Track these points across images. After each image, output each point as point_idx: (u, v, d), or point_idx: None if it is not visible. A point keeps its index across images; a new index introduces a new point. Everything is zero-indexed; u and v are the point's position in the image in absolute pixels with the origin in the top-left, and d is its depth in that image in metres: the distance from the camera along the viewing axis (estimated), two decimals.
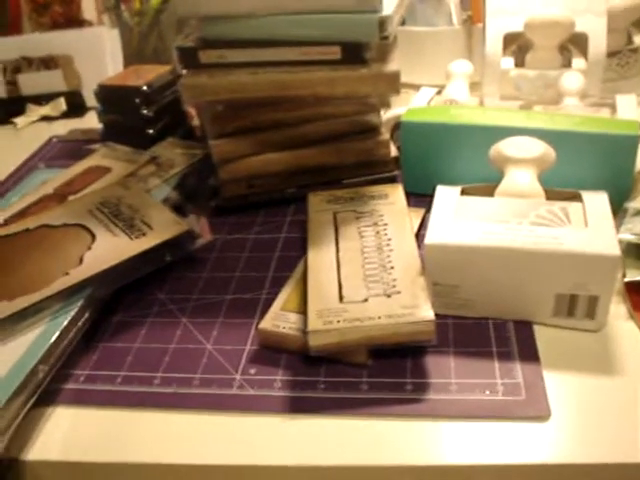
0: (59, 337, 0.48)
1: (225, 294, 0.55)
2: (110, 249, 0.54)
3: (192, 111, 0.84)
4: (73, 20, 1.05)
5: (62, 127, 0.96)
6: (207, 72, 0.58)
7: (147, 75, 0.81)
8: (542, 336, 0.48)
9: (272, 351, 0.48)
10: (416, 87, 0.82)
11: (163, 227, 0.56)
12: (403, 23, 0.88)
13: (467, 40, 0.86)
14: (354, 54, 0.56)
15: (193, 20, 0.58)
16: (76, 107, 1.01)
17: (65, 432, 0.44)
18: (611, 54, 0.79)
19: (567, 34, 0.71)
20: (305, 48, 0.56)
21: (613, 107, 0.67)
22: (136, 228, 0.56)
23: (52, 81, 1.01)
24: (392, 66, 0.58)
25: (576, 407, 0.42)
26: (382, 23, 0.54)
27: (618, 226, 0.53)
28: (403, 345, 0.45)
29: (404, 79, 0.60)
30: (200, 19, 0.57)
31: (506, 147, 0.54)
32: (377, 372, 0.46)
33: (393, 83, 0.58)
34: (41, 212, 0.61)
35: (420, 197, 0.63)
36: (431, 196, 0.54)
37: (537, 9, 0.71)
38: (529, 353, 0.46)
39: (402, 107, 0.68)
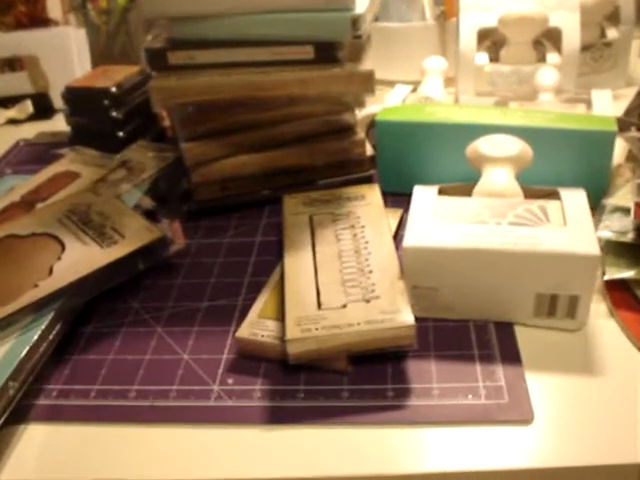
0: (29, 352, 0.46)
1: (201, 301, 0.54)
2: (80, 259, 0.52)
3: (163, 112, 0.82)
4: (38, 19, 1.02)
5: (29, 130, 0.94)
6: (176, 74, 0.57)
7: (116, 76, 0.79)
8: (523, 337, 0.47)
9: (250, 360, 0.47)
10: (390, 83, 0.81)
11: (135, 234, 0.54)
12: (376, 19, 0.87)
13: (441, 35, 0.86)
14: (327, 53, 0.55)
15: (161, 21, 0.57)
16: (43, 109, 0.98)
17: (39, 450, 0.43)
18: (585, 48, 0.79)
19: (541, 29, 0.71)
20: (277, 48, 0.55)
21: (589, 102, 0.67)
22: (107, 236, 0.54)
23: (18, 83, 0.98)
24: (366, 65, 0.57)
25: (559, 408, 0.42)
26: (355, 21, 0.53)
27: (596, 223, 0.53)
28: (383, 351, 0.44)
29: (378, 76, 0.59)
30: (168, 19, 0.56)
31: (483, 145, 0.53)
32: (358, 379, 0.45)
33: (367, 82, 0.57)
34: (8, 221, 0.59)
35: (397, 196, 0.62)
36: (408, 195, 0.53)
37: (510, 5, 0.71)
38: (511, 355, 0.46)
39: (377, 105, 0.68)
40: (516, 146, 0.53)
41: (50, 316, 0.49)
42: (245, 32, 0.55)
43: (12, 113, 0.98)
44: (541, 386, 0.43)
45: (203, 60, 0.56)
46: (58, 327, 0.49)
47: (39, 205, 0.63)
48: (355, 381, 0.45)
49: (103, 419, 0.44)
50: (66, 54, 0.97)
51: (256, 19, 0.54)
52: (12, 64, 0.97)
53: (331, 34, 0.54)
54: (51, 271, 0.51)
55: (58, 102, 0.96)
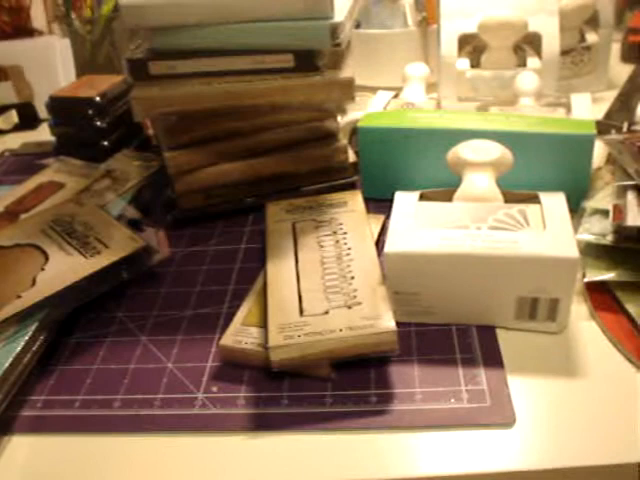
0: (13, 363, 0.46)
1: (185, 310, 0.54)
2: (64, 269, 0.52)
3: (147, 121, 0.82)
4: (22, 29, 1.02)
5: (14, 140, 0.94)
6: (158, 84, 0.57)
7: (100, 85, 0.79)
8: (505, 340, 0.48)
9: (234, 367, 0.47)
10: (373, 90, 0.82)
11: (118, 244, 0.54)
12: (358, 26, 0.88)
13: (422, 41, 0.86)
14: (307, 62, 0.56)
15: (142, 31, 0.57)
16: (28, 119, 0.98)
17: (24, 462, 0.43)
18: (565, 52, 0.80)
19: (520, 34, 0.72)
20: (257, 57, 0.55)
21: (568, 106, 0.67)
22: (91, 246, 0.54)
23: (2, 93, 0.98)
24: (346, 72, 0.58)
25: (541, 411, 0.42)
26: (334, 30, 0.53)
27: (577, 226, 0.53)
28: (366, 356, 0.44)
29: (360, 82, 0.60)
30: (149, 30, 0.56)
31: (463, 151, 0.54)
32: (341, 385, 0.45)
33: (347, 90, 0.57)
34: None
35: (380, 202, 0.62)
36: (391, 200, 0.54)
37: (490, 11, 0.72)
38: (493, 358, 0.46)
39: (359, 111, 0.68)
40: (496, 151, 0.53)
41: (34, 327, 0.49)
42: (225, 41, 0.55)
43: None
44: (523, 389, 0.44)
45: (184, 70, 0.57)
46: (42, 337, 0.49)
47: (23, 216, 0.63)
48: (338, 387, 0.45)
49: (88, 429, 0.44)
50: (50, 64, 0.97)
51: (236, 28, 0.54)
52: None
53: (310, 43, 0.55)
54: (34, 282, 0.51)
55: (43, 112, 0.96)
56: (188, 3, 0.54)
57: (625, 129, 0.68)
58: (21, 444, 0.44)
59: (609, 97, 0.78)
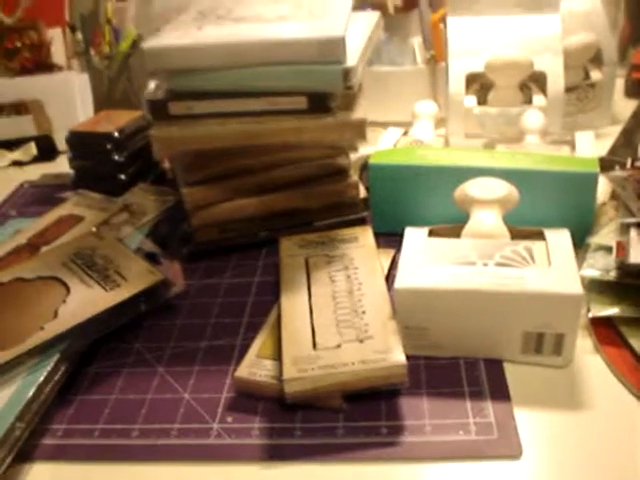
0: (36, 393, 0.47)
1: (201, 341, 0.56)
2: (85, 302, 0.54)
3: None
4: (43, 65, 1.05)
5: (33, 172, 0.96)
6: (177, 123, 0.59)
7: (118, 121, 0.81)
8: (512, 373, 0.49)
9: (249, 398, 0.49)
10: (383, 125, 0.84)
11: (138, 277, 0.56)
12: (369, 63, 0.90)
13: (431, 78, 0.89)
14: (320, 104, 0.58)
15: (162, 73, 0.59)
16: (47, 151, 1.01)
17: None
18: (570, 89, 0.82)
19: (526, 73, 0.74)
20: (272, 98, 0.57)
21: (573, 144, 0.69)
22: (110, 279, 0.56)
23: (23, 126, 1.01)
24: (358, 113, 0.60)
25: (547, 443, 0.43)
26: (346, 74, 0.55)
27: (581, 262, 0.55)
28: (377, 389, 0.46)
29: (371, 117, 0.62)
30: (168, 72, 0.58)
31: (471, 188, 0.56)
32: (352, 416, 0.46)
33: (359, 130, 0.60)
34: (14, 264, 0.61)
35: (390, 236, 0.64)
36: (400, 235, 0.55)
37: (497, 50, 0.74)
38: (500, 391, 0.47)
39: (369, 147, 0.70)
40: (503, 189, 0.55)
41: (55, 358, 0.50)
42: (241, 84, 0.57)
43: (16, 155, 1.00)
44: (529, 421, 0.45)
45: (202, 110, 0.59)
46: (63, 368, 0.51)
47: (44, 248, 0.65)
48: (350, 418, 0.46)
49: (107, 458, 0.46)
50: (69, 98, 1.00)
51: (252, 72, 0.57)
52: (17, 108, 1.00)
53: (324, 86, 0.57)
54: (56, 314, 0.53)
55: (61, 144, 0.98)
56: (207, 47, 0.56)
57: (629, 165, 0.70)
58: (42, 472, 0.45)
59: (613, 132, 0.79)
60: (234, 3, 0.67)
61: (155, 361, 0.54)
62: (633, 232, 0.54)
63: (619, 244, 0.54)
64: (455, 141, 0.76)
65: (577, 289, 0.46)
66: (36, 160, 1.00)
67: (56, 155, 1.01)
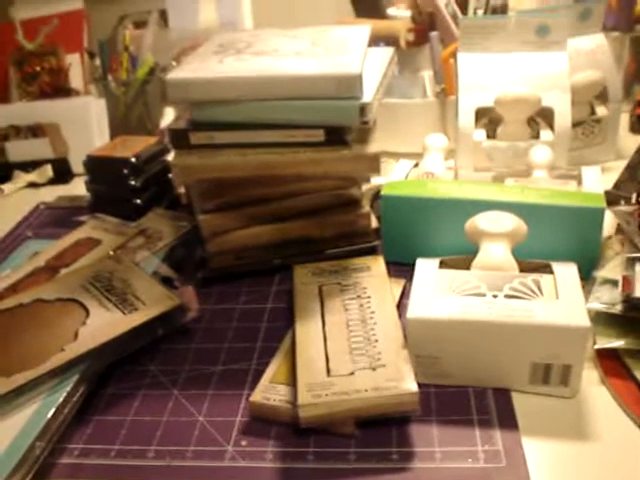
0: (55, 413, 0.49)
1: (215, 365, 0.57)
2: (104, 324, 0.55)
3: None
4: (61, 89, 1.08)
5: (48, 194, 0.98)
6: (197, 153, 0.61)
7: (134, 146, 0.83)
8: (520, 403, 0.50)
9: (263, 422, 0.50)
10: (394, 155, 0.86)
11: (155, 302, 0.58)
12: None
13: (441, 111, 0.91)
14: (336, 137, 0.60)
15: (183, 103, 0.61)
16: (62, 174, 1.03)
17: None
18: (576, 124, 0.84)
19: (534, 109, 0.76)
20: (290, 131, 0.59)
21: (579, 179, 0.71)
22: (128, 303, 0.58)
23: (39, 149, 1.03)
24: (372, 147, 0.62)
25: (553, 472, 0.44)
26: (362, 109, 0.57)
27: (587, 294, 0.56)
28: (389, 416, 0.47)
29: (382, 148, 0.64)
30: (190, 103, 0.60)
31: (481, 222, 0.57)
32: (364, 442, 0.47)
33: (373, 163, 0.61)
34: (34, 286, 0.63)
35: (400, 266, 0.65)
36: (411, 265, 0.57)
37: (506, 86, 0.76)
38: (508, 420, 0.48)
39: (381, 177, 0.72)
40: (511, 222, 0.57)
41: (75, 379, 0.52)
42: (260, 117, 0.59)
43: (32, 177, 1.03)
44: (537, 450, 0.46)
45: (222, 140, 0.61)
46: (82, 389, 0.52)
47: (63, 270, 0.67)
48: (362, 444, 0.47)
49: (123, 478, 0.47)
50: (86, 122, 1.02)
51: (271, 105, 0.59)
52: (35, 131, 1.02)
53: (340, 120, 0.59)
54: (76, 335, 0.55)
55: (77, 167, 1.01)
56: (228, 81, 0.58)
57: (633, 200, 0.71)
58: None
59: (618, 167, 0.81)
60: (253, 37, 0.69)
61: (170, 384, 0.55)
62: (638, 267, 0.56)
63: (625, 278, 0.55)
64: (464, 174, 0.77)
65: (584, 321, 0.48)
66: (51, 182, 1.02)
67: (71, 178, 1.03)
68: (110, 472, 0.47)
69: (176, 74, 0.60)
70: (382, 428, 0.48)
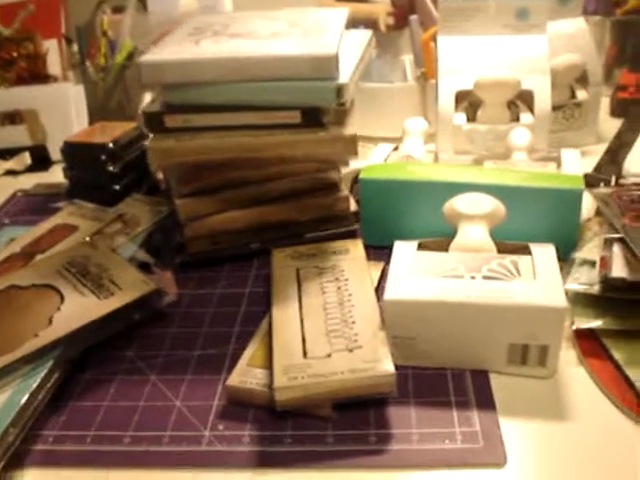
0: (29, 399, 0.48)
1: (193, 350, 0.56)
2: (79, 310, 0.55)
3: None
4: (38, 75, 1.06)
5: (27, 181, 0.97)
6: (173, 136, 0.60)
7: (112, 132, 0.82)
8: (498, 384, 0.50)
9: (240, 406, 0.50)
10: (373, 140, 0.86)
11: (131, 286, 0.57)
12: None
13: (421, 95, 0.90)
14: (313, 118, 0.59)
15: (158, 86, 0.61)
16: (41, 161, 1.01)
17: None
18: (557, 108, 0.84)
19: (514, 92, 0.76)
20: (267, 113, 0.59)
21: (559, 161, 0.71)
22: (104, 288, 0.57)
23: (17, 136, 1.01)
24: (349, 129, 0.61)
25: (531, 452, 0.44)
26: (339, 90, 0.57)
27: (566, 276, 0.56)
28: (366, 398, 0.47)
29: (362, 133, 0.63)
30: (164, 86, 0.60)
31: (459, 203, 0.57)
32: (341, 424, 0.47)
33: (351, 145, 0.61)
34: (9, 272, 0.62)
35: (379, 249, 0.65)
36: (390, 248, 0.56)
37: (486, 69, 0.76)
38: (485, 401, 0.48)
39: (360, 161, 0.71)
40: (490, 204, 0.57)
41: (49, 364, 0.51)
42: (237, 98, 0.58)
43: (10, 164, 1.01)
44: (514, 430, 0.46)
45: (198, 123, 0.60)
46: (56, 375, 0.51)
47: (38, 256, 0.66)
48: (339, 427, 0.47)
49: (98, 464, 0.46)
50: (64, 109, 1.01)
51: (247, 87, 0.58)
52: (12, 118, 1.01)
53: (317, 101, 0.58)
54: (51, 321, 0.54)
55: (55, 154, 0.99)
56: (204, 62, 0.58)
57: (613, 182, 0.72)
58: (33, 477, 0.46)
59: (598, 150, 0.81)
60: (230, 19, 0.68)
61: (147, 369, 0.55)
62: (616, 247, 0.56)
63: (602, 259, 0.55)
64: (444, 157, 0.77)
65: (561, 302, 0.48)
66: (30, 169, 1.01)
67: (50, 165, 1.02)
68: (86, 458, 0.47)
69: (150, 56, 0.59)
70: (359, 410, 0.48)
